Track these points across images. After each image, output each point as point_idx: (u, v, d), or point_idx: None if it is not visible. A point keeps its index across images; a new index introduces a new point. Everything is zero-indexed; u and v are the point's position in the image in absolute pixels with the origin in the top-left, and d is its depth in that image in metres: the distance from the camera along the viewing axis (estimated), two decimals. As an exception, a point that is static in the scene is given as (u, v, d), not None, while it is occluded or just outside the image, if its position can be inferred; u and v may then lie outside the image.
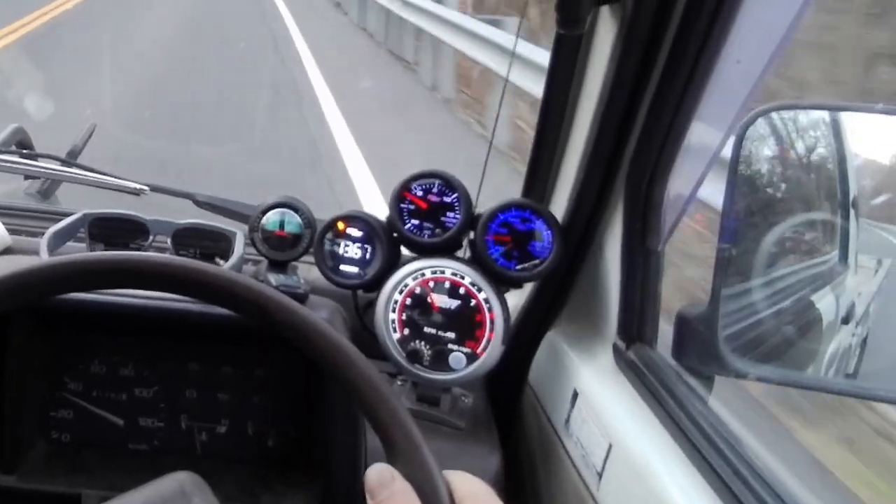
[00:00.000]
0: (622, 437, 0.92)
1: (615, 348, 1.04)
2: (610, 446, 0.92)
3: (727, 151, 0.93)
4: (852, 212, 1.02)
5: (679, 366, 0.97)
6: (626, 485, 0.89)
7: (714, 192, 0.96)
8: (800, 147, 1.00)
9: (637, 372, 0.98)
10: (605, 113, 0.99)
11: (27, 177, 1.62)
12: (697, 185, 0.98)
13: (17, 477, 1.00)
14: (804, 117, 0.99)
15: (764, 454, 0.86)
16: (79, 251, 1.13)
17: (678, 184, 0.98)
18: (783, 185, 1.01)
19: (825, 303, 0.97)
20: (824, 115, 1.00)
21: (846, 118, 0.99)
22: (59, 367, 1.05)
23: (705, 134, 0.96)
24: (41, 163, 1.46)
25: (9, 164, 1.42)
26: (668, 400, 0.93)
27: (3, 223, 1.19)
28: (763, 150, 0.97)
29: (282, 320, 0.74)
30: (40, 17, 9.23)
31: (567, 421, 1.04)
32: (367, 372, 0.69)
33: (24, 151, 1.52)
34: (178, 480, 0.62)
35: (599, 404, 0.98)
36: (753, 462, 0.83)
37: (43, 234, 1.09)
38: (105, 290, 0.97)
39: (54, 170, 1.46)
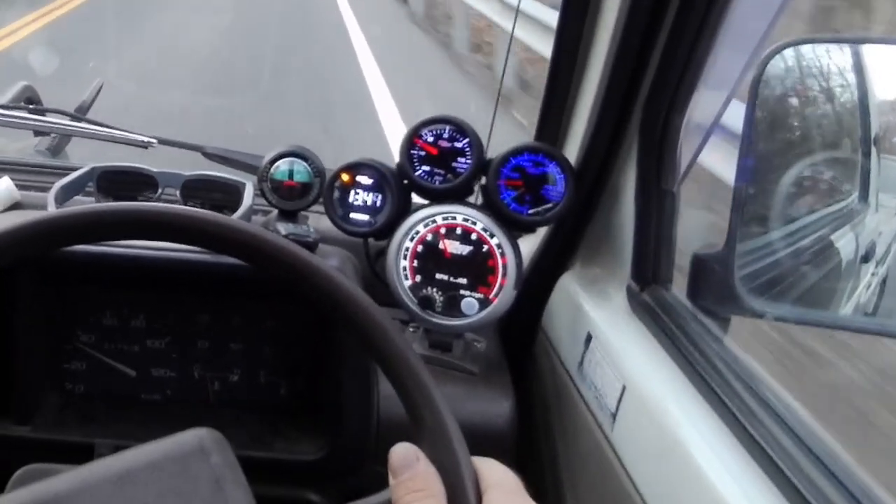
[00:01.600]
0: (636, 379, 0.92)
1: (629, 290, 1.03)
2: (624, 388, 0.92)
3: (745, 89, 0.91)
4: (874, 149, 0.99)
5: (694, 307, 0.96)
6: (640, 425, 0.89)
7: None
8: (820, 82, 0.98)
9: (651, 313, 0.97)
10: (619, 50, 0.97)
11: (36, 133, 1.61)
12: (714, 123, 0.95)
13: (31, 427, 1.01)
14: (825, 51, 0.96)
15: (780, 392, 0.85)
16: (87, 204, 1.13)
17: (695, 122, 0.96)
18: (802, 123, 0.98)
19: (845, 242, 0.95)
20: (846, 48, 0.97)
21: (868, 51, 0.96)
22: (71, 320, 1.05)
23: (722, 71, 0.94)
24: (49, 118, 1.45)
25: (17, 120, 1.41)
26: (683, 340, 0.92)
27: (13, 179, 1.19)
28: (782, 87, 0.95)
29: (292, 269, 0.73)
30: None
31: (581, 364, 1.03)
32: (382, 322, 0.68)
33: (33, 107, 1.52)
34: (198, 436, 0.61)
35: (613, 346, 0.97)
36: (769, 400, 0.82)
37: (51, 189, 1.09)
38: (113, 242, 0.97)
39: (63, 125, 1.45)
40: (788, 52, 0.93)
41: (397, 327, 0.76)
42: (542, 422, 1.14)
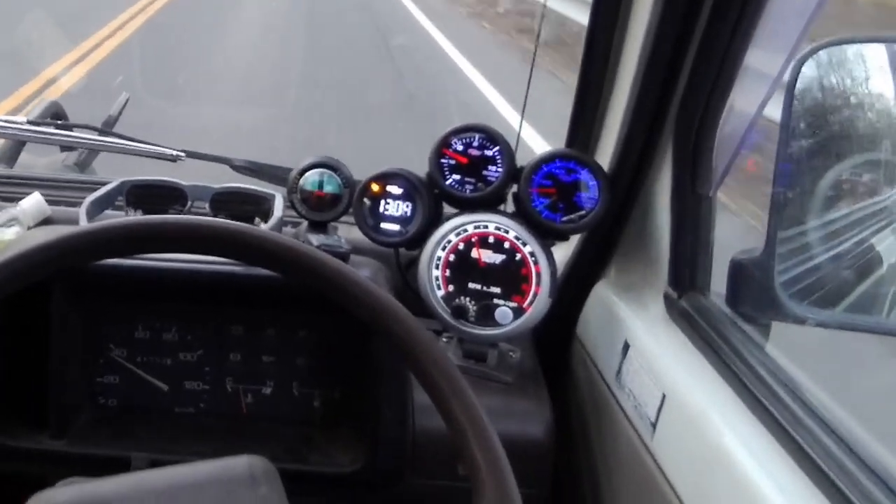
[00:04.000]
0: (676, 387, 0.90)
1: (666, 297, 1.01)
2: (664, 396, 0.90)
3: (781, 91, 0.90)
4: (914, 149, 0.98)
5: (734, 313, 0.94)
6: (682, 434, 0.87)
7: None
8: (858, 83, 0.97)
9: (690, 321, 0.96)
10: (651, 56, 0.96)
11: (64, 148, 1.62)
12: (750, 126, 0.94)
13: (66, 442, 1.01)
14: (862, 52, 0.95)
15: (826, 399, 0.83)
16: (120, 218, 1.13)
17: (729, 126, 0.95)
18: (840, 124, 0.97)
19: (886, 244, 0.94)
20: (883, 48, 0.96)
21: (908, 51, 0.95)
22: (103, 334, 1.05)
23: (758, 72, 0.93)
24: (77, 133, 1.46)
25: (45, 136, 1.42)
26: (724, 347, 0.90)
27: (42, 194, 1.19)
28: (819, 88, 0.93)
29: (327, 280, 0.73)
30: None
31: (618, 373, 1.02)
32: (420, 333, 0.68)
33: (60, 122, 1.53)
34: (250, 465, 0.61)
35: (652, 355, 0.96)
36: (815, 407, 0.81)
37: (81, 203, 1.09)
38: (145, 255, 0.97)
39: (90, 139, 1.46)
40: (824, 53, 0.92)
41: (434, 339, 0.76)
42: (579, 432, 1.12)
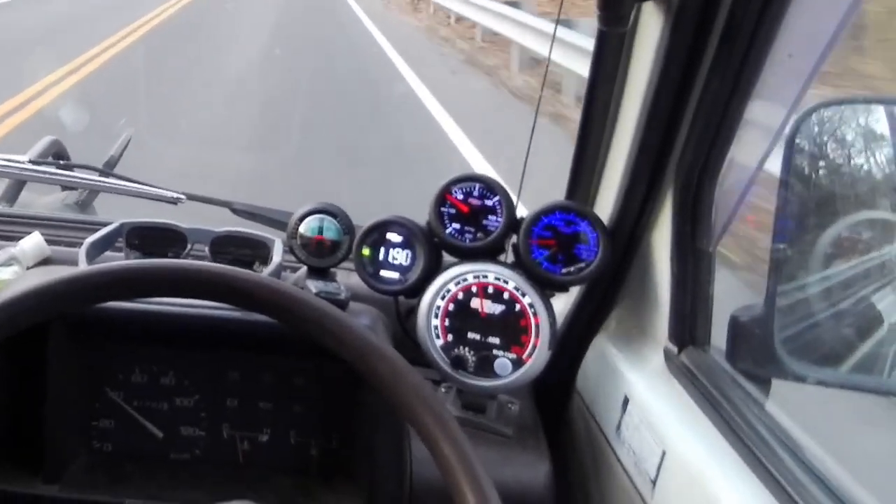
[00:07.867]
0: (676, 444, 0.89)
1: (666, 352, 1.01)
2: (664, 453, 0.90)
3: (780, 149, 0.91)
4: (913, 208, 0.98)
5: (734, 369, 0.94)
6: (682, 492, 0.87)
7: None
8: (856, 143, 0.97)
9: (690, 376, 0.96)
10: (651, 111, 0.97)
11: (64, 188, 1.63)
12: (749, 183, 0.95)
13: (60, 487, 0.99)
14: (860, 112, 0.96)
15: (825, 458, 0.83)
16: (117, 261, 1.13)
17: (729, 182, 0.95)
18: (839, 183, 0.98)
19: (887, 303, 0.94)
20: (881, 109, 0.97)
21: (905, 112, 0.96)
22: (100, 377, 1.04)
23: (757, 131, 0.94)
24: (78, 173, 1.47)
25: (46, 175, 1.43)
26: (724, 404, 0.90)
27: (42, 234, 1.19)
28: (818, 147, 0.94)
29: (324, 328, 0.73)
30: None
31: (618, 427, 1.01)
32: (418, 385, 0.67)
33: (61, 162, 1.53)
34: None
35: (651, 410, 0.96)
36: (815, 466, 0.80)
37: (81, 244, 1.09)
38: (143, 299, 0.96)
39: (91, 180, 1.46)
40: (824, 112, 0.93)
41: (432, 390, 0.75)
42: (578, 486, 1.11)
